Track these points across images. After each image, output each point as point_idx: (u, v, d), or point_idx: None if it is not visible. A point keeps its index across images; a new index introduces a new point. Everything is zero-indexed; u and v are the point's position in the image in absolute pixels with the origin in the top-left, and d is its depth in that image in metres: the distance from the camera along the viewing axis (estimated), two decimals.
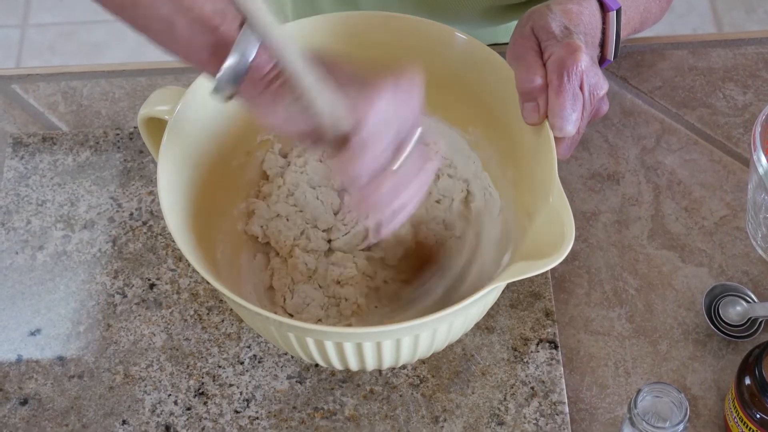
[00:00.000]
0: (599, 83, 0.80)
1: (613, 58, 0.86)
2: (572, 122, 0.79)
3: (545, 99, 0.79)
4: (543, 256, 0.73)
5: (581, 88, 0.78)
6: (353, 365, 0.80)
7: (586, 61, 0.78)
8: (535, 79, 0.79)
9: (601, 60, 0.87)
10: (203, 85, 0.84)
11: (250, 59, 0.68)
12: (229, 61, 0.68)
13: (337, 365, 0.80)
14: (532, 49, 0.81)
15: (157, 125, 0.84)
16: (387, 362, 0.79)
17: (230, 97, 0.70)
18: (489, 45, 0.86)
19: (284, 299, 0.87)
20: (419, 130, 0.71)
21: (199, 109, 0.84)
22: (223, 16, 0.68)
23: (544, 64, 0.80)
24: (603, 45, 0.86)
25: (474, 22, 1.07)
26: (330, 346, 0.76)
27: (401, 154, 0.70)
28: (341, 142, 0.69)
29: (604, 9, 0.85)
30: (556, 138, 0.79)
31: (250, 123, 0.89)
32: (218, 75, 0.69)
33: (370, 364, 0.79)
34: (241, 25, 0.68)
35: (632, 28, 0.93)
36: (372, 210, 0.71)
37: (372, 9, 1.07)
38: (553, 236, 0.74)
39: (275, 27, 0.64)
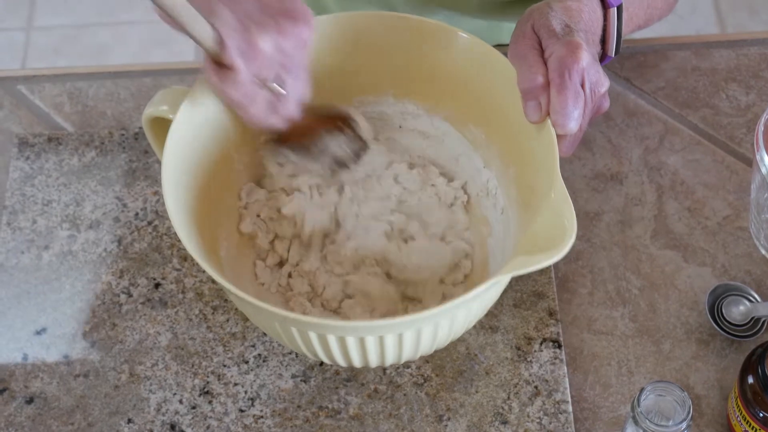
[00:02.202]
0: (600, 80, 0.80)
1: (615, 55, 0.87)
2: (574, 119, 0.79)
3: (547, 97, 0.79)
4: (545, 250, 0.73)
5: (582, 85, 0.79)
6: (356, 361, 0.80)
7: (586, 59, 0.79)
8: (536, 77, 0.80)
9: (603, 56, 0.87)
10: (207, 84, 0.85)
11: None
12: None
13: (341, 362, 0.80)
14: (533, 47, 0.81)
15: (162, 125, 0.84)
16: (390, 358, 0.80)
17: None
18: (493, 45, 0.86)
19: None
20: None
21: (203, 108, 0.84)
22: None
23: (545, 63, 0.80)
24: (604, 41, 0.86)
25: (473, 17, 1.07)
26: (333, 341, 0.76)
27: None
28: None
29: (605, 5, 0.85)
30: (558, 135, 0.80)
31: None
32: None
33: (373, 360, 0.80)
34: None
35: (636, 24, 0.93)
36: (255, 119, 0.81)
37: (372, 8, 1.07)
38: (554, 230, 0.75)
39: None
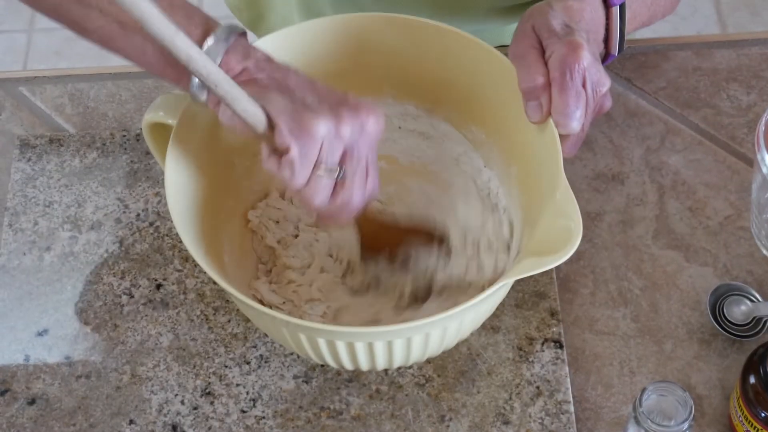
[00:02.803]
0: (601, 80, 0.80)
1: (618, 53, 0.86)
2: (576, 119, 0.79)
3: (548, 97, 0.79)
4: (551, 252, 0.73)
5: (584, 85, 0.79)
6: (364, 365, 0.80)
7: (588, 59, 0.78)
8: (537, 77, 0.80)
9: (606, 55, 0.87)
10: None
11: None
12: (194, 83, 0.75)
13: (348, 365, 0.80)
14: (533, 47, 0.81)
15: (162, 131, 0.84)
16: (398, 361, 0.80)
17: (204, 105, 0.76)
18: (495, 47, 0.86)
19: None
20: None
21: (203, 113, 0.84)
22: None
23: (546, 63, 0.80)
24: (607, 40, 0.86)
25: (479, 22, 1.07)
26: (341, 346, 0.77)
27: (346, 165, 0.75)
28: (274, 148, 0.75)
29: (607, 4, 0.85)
30: (561, 136, 0.80)
31: None
32: (190, 89, 0.75)
33: (381, 364, 0.80)
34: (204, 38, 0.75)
35: (640, 22, 0.93)
36: (312, 208, 0.77)
37: (375, 10, 1.07)
38: (560, 232, 0.75)
39: (193, 48, 0.68)
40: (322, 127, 0.73)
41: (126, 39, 0.77)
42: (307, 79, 0.76)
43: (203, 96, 0.75)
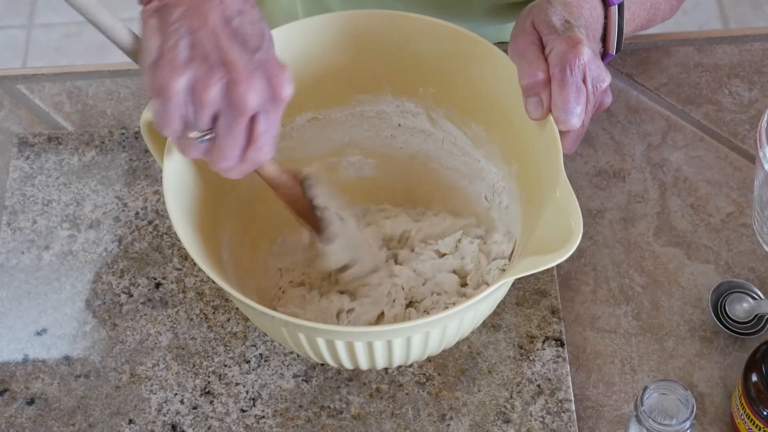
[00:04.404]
0: (601, 75, 0.80)
1: (616, 53, 0.86)
2: (577, 115, 0.78)
3: (548, 93, 0.79)
4: (552, 250, 0.73)
5: (584, 80, 0.78)
6: (363, 364, 0.80)
7: (587, 54, 0.78)
8: (537, 73, 0.79)
9: (604, 54, 0.86)
10: None
11: None
12: None
13: (347, 365, 0.80)
14: (533, 43, 0.81)
15: None
16: (397, 360, 0.79)
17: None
18: (495, 43, 0.86)
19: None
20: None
21: None
22: None
23: (546, 59, 0.80)
24: (605, 39, 0.86)
25: (479, 20, 1.07)
26: (340, 346, 0.76)
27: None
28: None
29: (605, 3, 0.85)
30: (561, 132, 0.79)
31: None
32: None
33: (381, 363, 0.79)
34: None
35: (638, 24, 0.93)
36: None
37: (377, 8, 1.06)
38: (561, 230, 0.74)
39: None
40: (177, 84, 0.69)
41: None
42: (230, 28, 0.71)
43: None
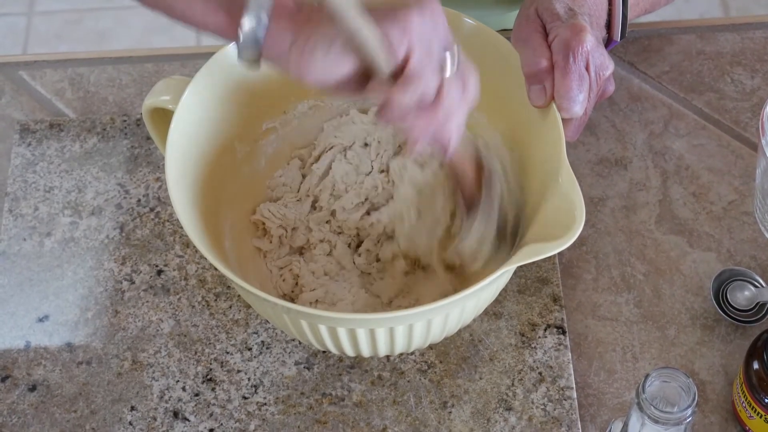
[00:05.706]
0: (605, 63, 0.79)
1: (620, 39, 0.86)
2: (579, 103, 0.78)
3: (551, 81, 0.79)
4: (555, 237, 0.73)
5: (587, 68, 0.78)
6: (365, 351, 0.80)
7: (591, 42, 0.78)
8: (540, 61, 0.79)
9: (608, 41, 0.86)
10: (208, 74, 0.84)
11: (268, 11, 0.66)
12: (247, 19, 0.66)
13: (350, 352, 0.80)
14: (536, 31, 0.81)
15: (162, 116, 0.84)
16: (399, 347, 0.79)
17: (257, 61, 0.68)
18: (498, 31, 0.85)
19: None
20: (456, 46, 0.70)
21: (204, 98, 0.84)
22: None
23: (549, 46, 0.79)
24: (609, 26, 0.85)
25: (483, 8, 1.07)
26: (342, 333, 0.76)
27: (445, 75, 0.69)
28: (388, 78, 0.67)
29: None
30: (563, 120, 0.79)
31: (255, 112, 0.89)
32: (240, 36, 0.67)
33: (383, 350, 0.79)
34: None
35: (642, 9, 0.92)
36: (433, 138, 0.71)
37: None
38: (563, 217, 0.74)
39: None
40: (417, 18, 0.66)
41: None
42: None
43: (253, 50, 0.67)
